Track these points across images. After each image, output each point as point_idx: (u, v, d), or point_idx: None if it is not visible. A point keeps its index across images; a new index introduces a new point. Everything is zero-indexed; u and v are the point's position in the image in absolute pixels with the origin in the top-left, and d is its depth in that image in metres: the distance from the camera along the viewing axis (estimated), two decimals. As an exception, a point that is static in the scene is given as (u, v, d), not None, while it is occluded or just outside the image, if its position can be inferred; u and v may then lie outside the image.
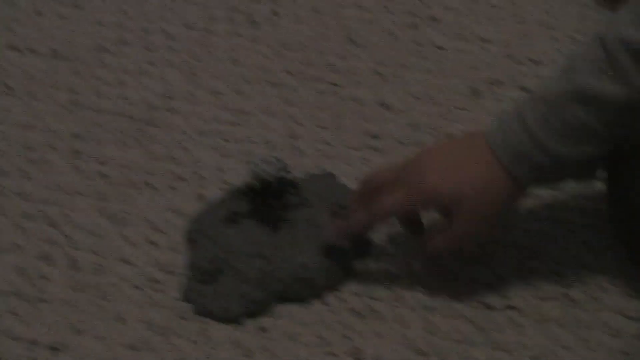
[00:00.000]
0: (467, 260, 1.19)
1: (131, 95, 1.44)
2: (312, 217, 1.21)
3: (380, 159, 1.33)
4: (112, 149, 1.36)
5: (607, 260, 1.20)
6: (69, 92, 1.45)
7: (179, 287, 1.18)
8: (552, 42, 1.51)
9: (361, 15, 1.55)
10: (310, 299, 1.16)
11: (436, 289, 1.17)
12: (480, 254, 1.20)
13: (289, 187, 1.22)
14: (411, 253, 1.19)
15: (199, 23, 1.55)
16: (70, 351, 1.12)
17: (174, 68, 1.48)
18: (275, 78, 1.46)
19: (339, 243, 1.18)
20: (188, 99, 1.43)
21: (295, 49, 1.50)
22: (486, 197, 1.10)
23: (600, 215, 1.23)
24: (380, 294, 1.17)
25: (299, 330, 1.13)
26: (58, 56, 1.51)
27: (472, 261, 1.19)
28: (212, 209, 1.26)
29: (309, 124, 1.39)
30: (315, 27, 1.54)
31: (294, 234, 1.19)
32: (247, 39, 1.52)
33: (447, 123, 1.37)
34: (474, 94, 1.41)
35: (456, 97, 1.41)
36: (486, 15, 1.55)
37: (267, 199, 1.21)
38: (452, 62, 1.46)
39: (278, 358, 1.11)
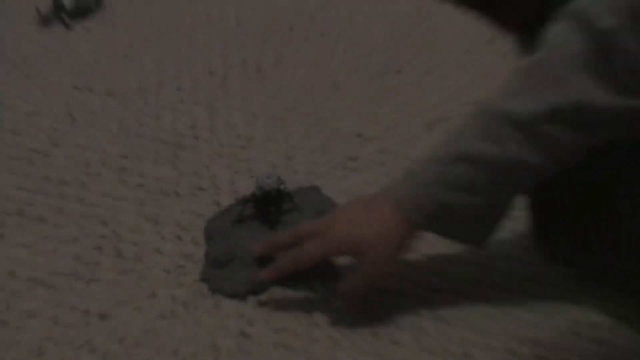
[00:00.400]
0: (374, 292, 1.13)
1: (166, 125, 1.45)
2: (301, 220, 1.20)
3: (356, 176, 1.34)
4: (150, 166, 1.37)
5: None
6: (118, 122, 1.46)
7: (198, 271, 1.19)
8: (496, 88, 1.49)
9: (344, 66, 1.55)
10: (299, 284, 1.16)
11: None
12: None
13: (284, 196, 1.23)
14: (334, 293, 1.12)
15: (219, 70, 1.55)
16: (115, 318, 1.13)
17: (199, 105, 1.48)
18: (276, 113, 1.46)
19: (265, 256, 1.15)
20: (209, 128, 1.44)
21: (292, 90, 1.50)
22: (387, 242, 1.06)
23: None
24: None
25: (289, 306, 1.14)
26: (111, 94, 1.52)
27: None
28: (225, 212, 1.26)
29: (301, 148, 1.40)
30: (308, 74, 1.53)
31: (287, 233, 1.20)
32: (255, 82, 1.52)
33: (406, 149, 1.37)
34: (428, 128, 1.41)
35: (415, 130, 1.41)
36: (442, 67, 1.55)
37: (267, 205, 1.22)
38: (412, 103, 1.46)
39: (272, 326, 1.11)
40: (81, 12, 1.65)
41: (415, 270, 1.19)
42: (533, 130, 0.97)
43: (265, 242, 1.16)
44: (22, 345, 1.11)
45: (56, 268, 1.21)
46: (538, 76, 0.98)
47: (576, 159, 1.01)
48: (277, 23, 1.64)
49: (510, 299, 1.15)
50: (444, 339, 1.09)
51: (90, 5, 1.64)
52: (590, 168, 1.04)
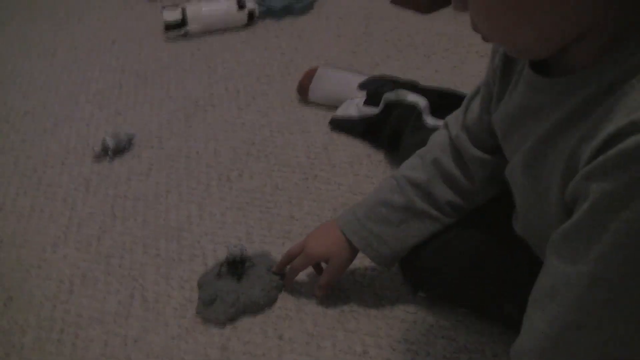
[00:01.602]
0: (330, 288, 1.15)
1: (172, 217, 1.42)
2: (257, 273, 1.21)
3: (290, 243, 1.27)
4: (163, 243, 1.35)
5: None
6: (143, 216, 1.43)
7: (195, 308, 1.19)
8: (372, 186, 1.44)
9: (280, 175, 1.49)
10: (257, 313, 1.17)
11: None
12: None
13: (246, 259, 1.22)
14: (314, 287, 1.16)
15: (204, 181, 1.52)
16: (143, 340, 1.14)
17: (193, 203, 1.46)
18: (240, 206, 1.43)
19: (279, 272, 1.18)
20: (199, 217, 1.42)
21: (250, 191, 1.46)
22: (343, 253, 1.08)
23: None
24: (295, 303, 1.19)
25: (252, 327, 1.15)
26: (137, 199, 1.48)
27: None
28: (210, 270, 1.25)
29: (256, 227, 1.37)
30: (260, 182, 1.48)
31: (249, 282, 1.19)
32: (226, 188, 1.49)
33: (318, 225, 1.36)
34: (335, 212, 1.37)
35: (325, 213, 1.38)
36: (340, 173, 1.50)
37: (236, 265, 1.21)
38: (323, 196, 1.43)
39: (243, 340, 1.12)
40: (119, 151, 1.63)
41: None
42: (425, 189, 1.02)
43: (278, 263, 1.19)
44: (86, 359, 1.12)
45: (106, 309, 1.21)
46: (423, 157, 1.04)
47: (455, 213, 1.04)
48: (239, 151, 1.61)
49: (390, 311, 1.15)
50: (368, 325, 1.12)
51: (124, 147, 1.66)
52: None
